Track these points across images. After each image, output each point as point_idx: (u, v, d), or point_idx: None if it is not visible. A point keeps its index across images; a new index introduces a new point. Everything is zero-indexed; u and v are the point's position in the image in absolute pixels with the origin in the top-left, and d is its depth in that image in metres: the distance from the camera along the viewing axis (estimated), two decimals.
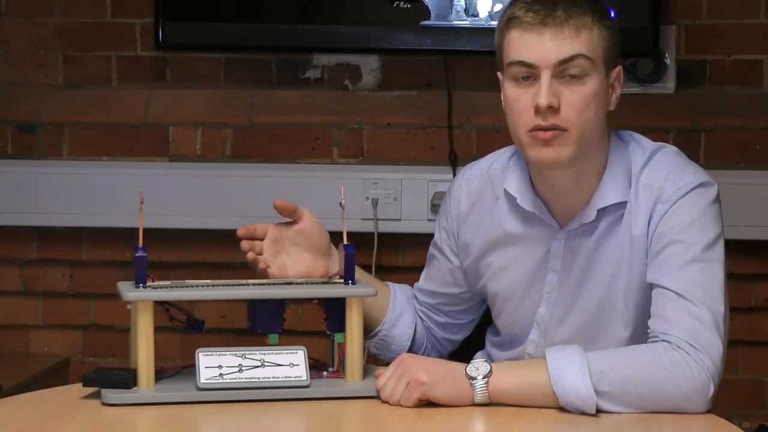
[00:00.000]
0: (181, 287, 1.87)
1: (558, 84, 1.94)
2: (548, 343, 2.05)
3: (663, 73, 3.35)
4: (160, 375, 1.86)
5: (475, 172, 2.19)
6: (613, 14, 2.03)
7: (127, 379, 1.81)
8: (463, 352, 2.30)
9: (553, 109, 1.93)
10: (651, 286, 1.96)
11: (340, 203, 1.98)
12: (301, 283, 1.95)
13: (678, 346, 1.84)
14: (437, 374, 1.85)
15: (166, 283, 1.88)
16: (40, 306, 3.50)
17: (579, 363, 1.81)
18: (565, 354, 1.84)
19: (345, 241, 1.92)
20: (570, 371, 1.81)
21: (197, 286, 1.88)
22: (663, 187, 1.98)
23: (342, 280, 1.92)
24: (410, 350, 2.22)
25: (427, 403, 1.83)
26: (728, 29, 3.36)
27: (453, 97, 3.37)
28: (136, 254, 1.86)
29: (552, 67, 1.93)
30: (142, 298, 1.82)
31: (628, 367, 1.83)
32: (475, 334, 2.31)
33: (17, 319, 3.50)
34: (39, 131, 3.46)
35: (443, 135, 3.35)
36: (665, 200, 1.97)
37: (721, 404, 3.29)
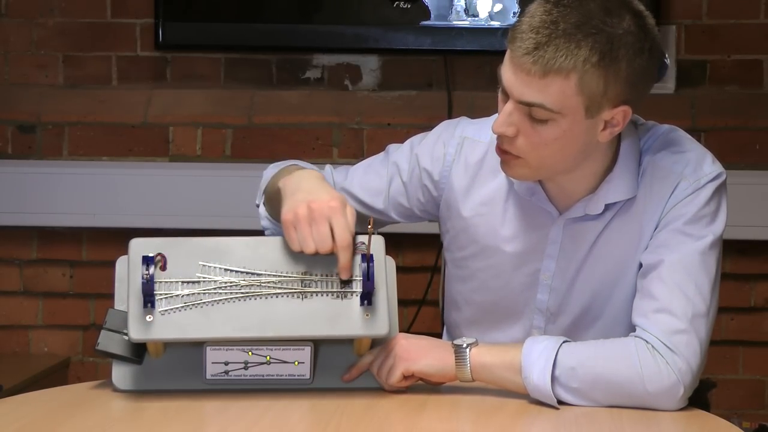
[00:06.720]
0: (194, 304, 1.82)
1: (522, 114, 1.85)
2: (555, 328, 2.03)
3: (663, 73, 3.35)
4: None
5: (478, 135, 2.08)
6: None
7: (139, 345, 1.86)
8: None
9: (509, 138, 1.87)
10: (640, 265, 1.94)
11: (368, 224, 1.89)
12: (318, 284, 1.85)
13: (652, 346, 1.83)
14: (421, 348, 1.87)
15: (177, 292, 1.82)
16: (40, 306, 3.50)
17: (545, 362, 1.82)
18: (539, 348, 1.84)
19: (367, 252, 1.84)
20: (537, 369, 1.82)
21: (210, 293, 1.83)
22: (683, 173, 1.94)
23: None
24: None
25: (428, 403, 1.83)
26: (728, 29, 3.36)
27: (453, 97, 3.37)
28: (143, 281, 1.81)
29: (516, 101, 1.85)
30: (148, 339, 1.83)
31: (597, 365, 1.83)
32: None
33: (17, 319, 3.50)
34: (39, 131, 3.46)
35: None
36: (684, 188, 1.93)
37: (721, 404, 3.29)
